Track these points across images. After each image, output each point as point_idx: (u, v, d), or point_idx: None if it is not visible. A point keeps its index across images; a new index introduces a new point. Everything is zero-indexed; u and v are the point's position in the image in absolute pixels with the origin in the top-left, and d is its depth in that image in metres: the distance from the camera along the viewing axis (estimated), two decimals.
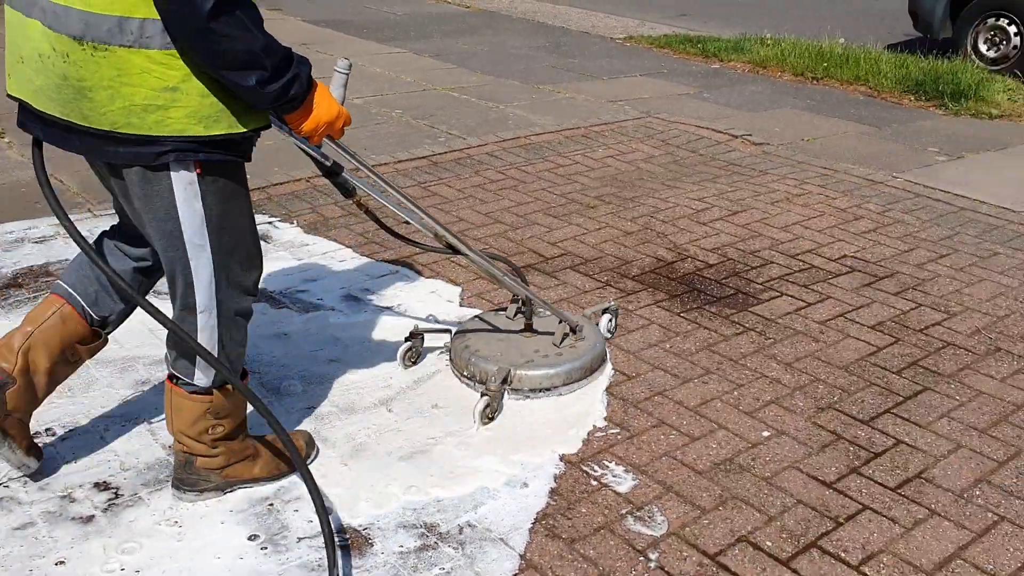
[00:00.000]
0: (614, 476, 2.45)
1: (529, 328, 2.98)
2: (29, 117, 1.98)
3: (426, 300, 3.40)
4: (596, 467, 2.49)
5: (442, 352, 3.02)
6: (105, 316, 2.34)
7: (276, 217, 4.12)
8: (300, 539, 2.19)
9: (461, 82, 6.90)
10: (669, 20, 10.19)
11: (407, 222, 2.63)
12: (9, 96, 1.98)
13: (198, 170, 1.96)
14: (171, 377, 2.24)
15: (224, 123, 1.92)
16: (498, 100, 6.39)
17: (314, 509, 2.10)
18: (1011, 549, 2.23)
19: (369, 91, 6.51)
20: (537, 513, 2.30)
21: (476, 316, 3.12)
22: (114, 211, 2.16)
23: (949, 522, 2.32)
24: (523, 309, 2.99)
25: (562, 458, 2.51)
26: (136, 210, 2.05)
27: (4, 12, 1.92)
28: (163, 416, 2.45)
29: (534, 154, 5.16)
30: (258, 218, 3.83)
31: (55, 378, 2.30)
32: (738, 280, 3.64)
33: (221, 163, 1.99)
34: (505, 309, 3.08)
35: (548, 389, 2.80)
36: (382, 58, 7.66)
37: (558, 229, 4.11)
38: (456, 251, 2.71)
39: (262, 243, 2.30)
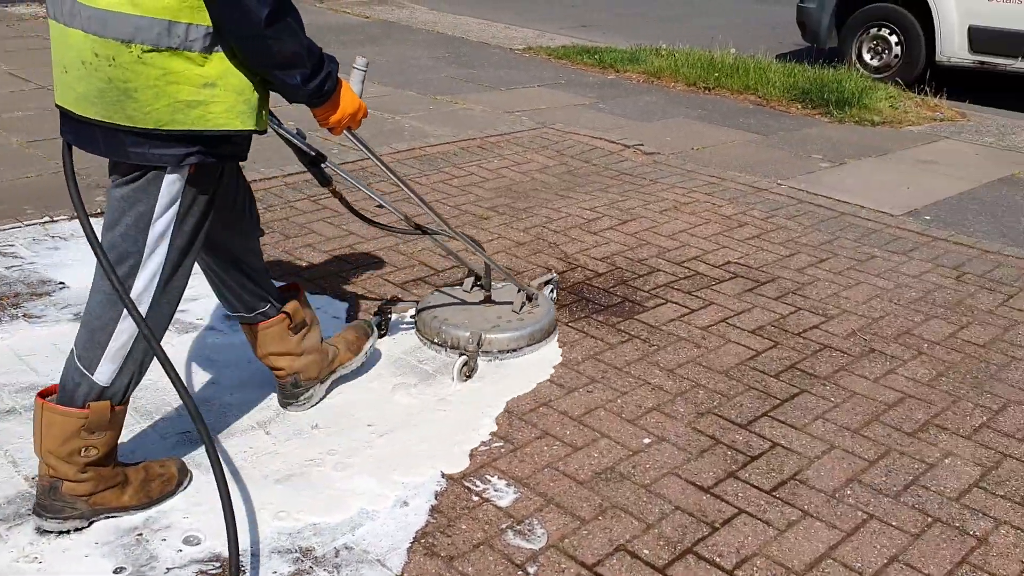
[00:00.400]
0: (496, 490, 2.45)
1: (488, 299, 3.29)
2: (67, 125, 2.09)
3: None
4: (478, 482, 2.48)
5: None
6: (254, 307, 2.59)
7: None
8: (169, 569, 2.11)
9: None
10: (568, 31, 10.30)
11: (380, 206, 2.83)
12: (56, 106, 2.09)
13: (191, 170, 2.10)
14: (43, 393, 2.19)
15: (253, 119, 2.08)
16: (395, 111, 6.35)
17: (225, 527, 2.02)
18: (878, 547, 2.30)
19: None
20: (416, 532, 2.27)
21: (437, 291, 3.39)
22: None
23: (821, 522, 2.38)
24: (479, 282, 3.31)
25: (444, 475, 2.49)
26: (117, 199, 2.12)
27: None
28: (28, 445, 2.36)
29: (428, 165, 5.14)
30: None
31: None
32: (625, 288, 3.69)
33: (211, 166, 2.15)
34: (462, 283, 3.38)
35: (515, 350, 3.12)
36: None
37: (450, 241, 4.09)
38: (424, 232, 3.04)
39: None
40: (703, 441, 2.71)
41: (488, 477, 2.50)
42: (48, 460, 2.18)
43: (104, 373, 2.15)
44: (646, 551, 2.26)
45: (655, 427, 2.77)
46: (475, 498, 2.41)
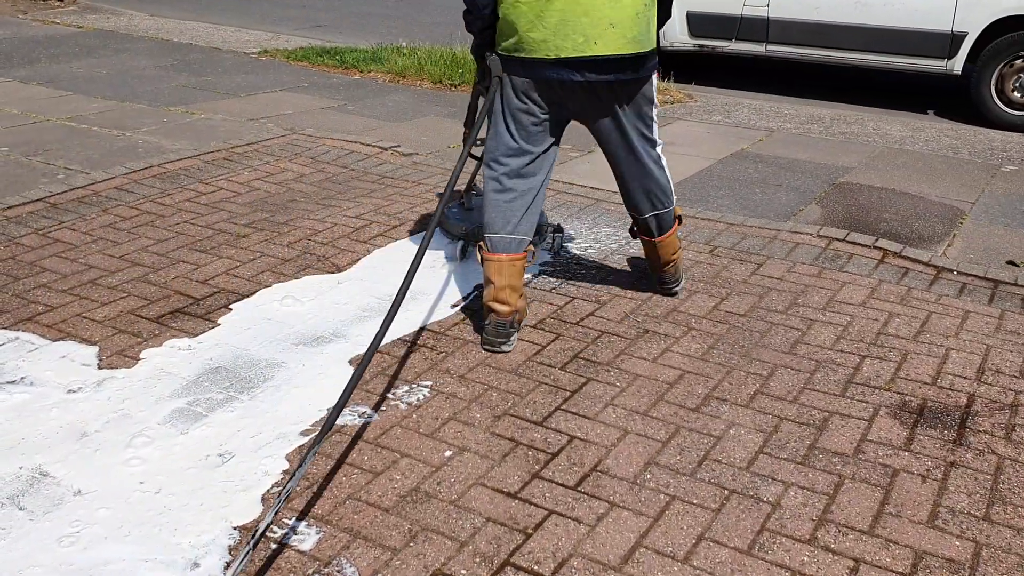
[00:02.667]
0: (296, 534, 2.27)
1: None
2: (590, 69, 2.99)
3: (57, 367, 2.96)
4: (275, 528, 2.28)
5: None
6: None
7: None
8: None
9: (79, 110, 6.23)
10: (303, 32, 9.99)
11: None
12: (588, 58, 2.96)
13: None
14: (653, 233, 3.46)
15: None
16: (124, 127, 5.84)
17: None
18: (684, 527, 2.35)
19: None
20: None
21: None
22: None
23: (628, 511, 2.40)
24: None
25: (236, 526, 2.28)
26: (618, 112, 3.14)
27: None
28: None
29: (171, 184, 4.76)
30: None
31: None
32: None
33: None
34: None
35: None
36: None
37: (207, 265, 3.80)
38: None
39: None
40: (503, 445, 2.67)
41: (286, 521, 2.31)
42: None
43: (672, 200, 3.47)
44: (463, 571, 2.17)
45: (454, 438, 2.69)
46: (274, 546, 2.22)
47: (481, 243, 3.24)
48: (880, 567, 2.23)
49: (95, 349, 3.09)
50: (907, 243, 4.37)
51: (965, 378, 3.12)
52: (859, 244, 4.24)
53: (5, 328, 3.20)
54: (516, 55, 3.03)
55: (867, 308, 3.63)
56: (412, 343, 3.22)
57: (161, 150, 5.36)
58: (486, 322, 3.17)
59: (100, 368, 2.98)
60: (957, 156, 6.05)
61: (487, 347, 3.17)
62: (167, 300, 3.47)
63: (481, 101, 3.57)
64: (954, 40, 6.90)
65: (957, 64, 6.96)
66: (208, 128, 5.91)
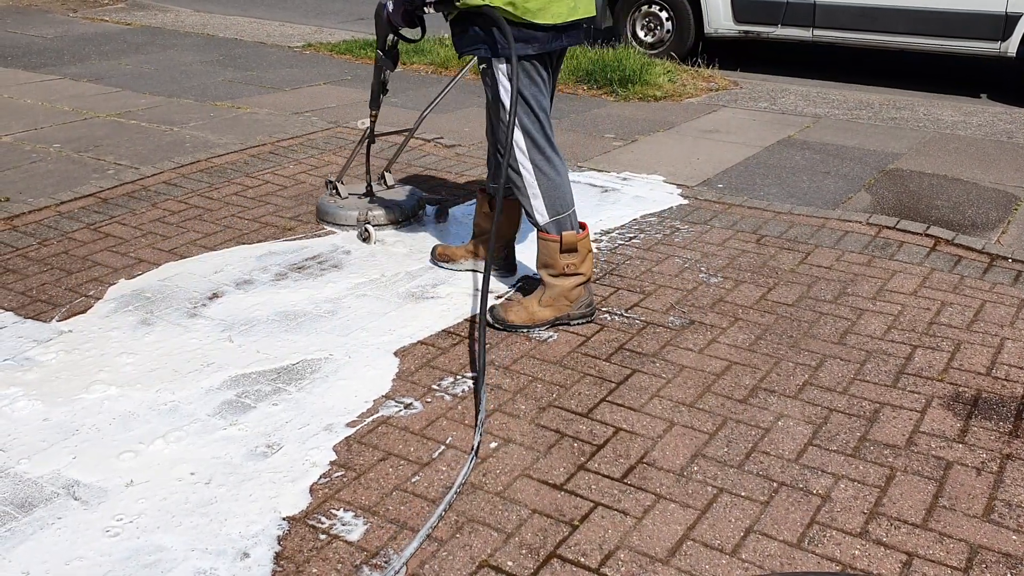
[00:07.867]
0: (343, 525, 2.28)
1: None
2: (567, 33, 3.10)
3: (114, 360, 3.02)
4: (323, 518, 2.30)
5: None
6: None
7: None
8: None
9: (128, 106, 6.33)
10: (346, 25, 10.05)
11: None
12: (574, 22, 3.11)
13: None
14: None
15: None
16: (172, 122, 5.93)
17: None
18: (732, 520, 2.32)
19: (19, 126, 5.78)
20: None
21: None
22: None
23: (675, 503, 2.39)
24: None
25: (285, 517, 2.30)
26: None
27: None
28: None
29: (218, 178, 4.82)
30: None
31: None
32: (449, 288, 3.58)
33: None
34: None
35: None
36: (33, 87, 6.86)
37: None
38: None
39: None
40: (548, 436, 2.66)
41: (333, 511, 2.33)
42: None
43: None
44: (510, 563, 2.17)
45: (500, 429, 2.69)
46: (322, 536, 2.24)
47: (553, 230, 3.18)
48: (934, 561, 2.19)
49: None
50: (960, 230, 4.28)
51: (1021, 368, 3.04)
52: (910, 232, 4.16)
53: (59, 321, 3.27)
54: (535, 26, 3.00)
55: (918, 297, 3.55)
56: (456, 334, 3.23)
57: (208, 145, 5.43)
58: (586, 298, 3.29)
59: (151, 360, 3.03)
60: (1011, 140, 5.90)
61: (590, 319, 3.33)
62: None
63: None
64: (1008, 21, 6.72)
65: (1011, 46, 6.78)
66: (254, 122, 5.97)
